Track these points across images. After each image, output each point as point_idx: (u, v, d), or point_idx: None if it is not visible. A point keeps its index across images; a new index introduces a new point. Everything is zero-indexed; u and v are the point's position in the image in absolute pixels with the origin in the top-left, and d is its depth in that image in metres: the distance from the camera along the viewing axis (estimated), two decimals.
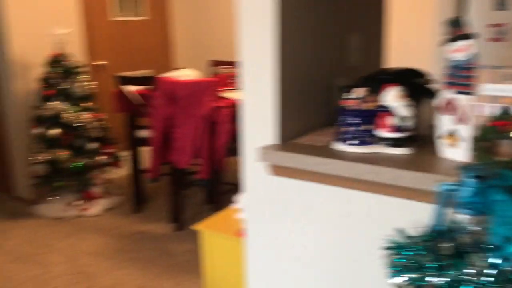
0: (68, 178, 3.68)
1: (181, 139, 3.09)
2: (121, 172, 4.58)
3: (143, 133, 3.63)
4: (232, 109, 3.00)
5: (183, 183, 3.41)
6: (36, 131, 3.64)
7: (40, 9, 3.89)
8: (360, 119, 1.29)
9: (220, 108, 2.94)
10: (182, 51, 5.28)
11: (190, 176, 3.71)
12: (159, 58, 5.02)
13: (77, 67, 3.76)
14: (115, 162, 3.92)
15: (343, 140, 1.30)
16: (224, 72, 3.62)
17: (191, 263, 2.96)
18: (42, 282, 2.79)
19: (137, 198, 3.79)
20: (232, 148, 3.31)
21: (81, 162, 3.65)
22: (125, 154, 4.59)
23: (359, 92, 1.32)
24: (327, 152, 1.30)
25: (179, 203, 3.41)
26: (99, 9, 4.39)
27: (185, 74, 3.61)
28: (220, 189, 3.48)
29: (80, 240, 3.33)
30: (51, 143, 3.63)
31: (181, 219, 3.44)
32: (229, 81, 3.36)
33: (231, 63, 4.31)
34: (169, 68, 5.15)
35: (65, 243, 3.29)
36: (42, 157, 3.60)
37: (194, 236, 3.31)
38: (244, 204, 1.62)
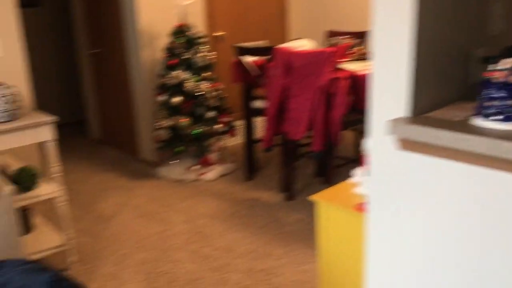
0: (188, 144, 3.89)
1: (296, 110, 3.09)
2: (236, 141, 4.75)
3: (259, 104, 3.70)
4: (350, 81, 2.93)
5: (295, 154, 3.43)
6: (160, 98, 3.88)
7: None
8: (506, 92, 1.17)
9: (337, 80, 2.88)
10: (298, 21, 5.24)
11: (302, 147, 3.72)
12: (275, 28, 5.04)
13: (199, 37, 3.91)
14: (230, 130, 4.05)
15: (486, 115, 1.19)
16: (341, 43, 3.53)
17: (302, 233, 3.00)
18: (164, 238, 3.02)
19: (249, 166, 3.90)
20: (347, 121, 3.25)
21: (199, 129, 3.83)
22: (240, 124, 4.74)
23: (507, 63, 1.19)
24: (465, 128, 1.20)
25: (290, 173, 3.45)
26: None
27: (302, 44, 3.59)
28: (332, 162, 3.45)
29: (198, 202, 3.53)
30: (173, 110, 3.86)
31: (292, 190, 3.48)
32: (347, 52, 3.27)
33: (348, 34, 4.19)
34: (285, 39, 5.15)
35: (184, 204, 3.52)
36: (165, 123, 3.84)
37: (304, 207, 3.34)
38: (367, 179, 1.58)
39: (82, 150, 4.93)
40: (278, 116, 3.25)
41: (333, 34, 4.43)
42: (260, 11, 4.87)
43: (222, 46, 4.63)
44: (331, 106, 2.94)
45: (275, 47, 3.26)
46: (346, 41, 3.54)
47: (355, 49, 3.49)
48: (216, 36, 4.57)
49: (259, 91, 3.79)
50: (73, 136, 5.48)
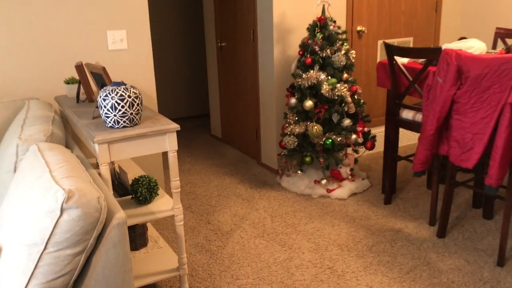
0: (317, 154, 3.39)
1: (466, 130, 2.43)
2: (372, 154, 4.15)
3: (407, 114, 3.07)
4: None
5: (453, 180, 2.76)
6: (291, 100, 3.42)
7: None
8: None
9: None
10: (453, 17, 4.45)
11: (461, 171, 3.03)
12: (424, 24, 4.31)
13: (339, 33, 3.38)
14: (367, 142, 3.47)
15: None
16: None
17: (458, 286, 2.35)
18: (289, 269, 2.57)
19: (389, 187, 3.29)
20: None
21: (331, 138, 3.31)
22: (377, 132, 4.13)
23: None
24: None
25: (446, 205, 2.79)
26: None
27: (471, 45, 2.88)
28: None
29: (326, 225, 3.02)
30: (304, 115, 3.38)
31: (445, 224, 2.82)
32: None
33: None
34: (435, 38, 4.40)
35: (310, 226, 3.03)
36: (294, 128, 3.38)
37: (462, 248, 2.67)
38: None
39: (204, 147, 4.68)
40: (438, 134, 2.60)
41: (506, 33, 3.62)
42: (407, 3, 4.18)
43: (362, 43, 4.04)
44: None
45: (443, 48, 2.61)
46: None
47: None
48: (357, 32, 3.99)
49: (409, 99, 3.16)
50: (197, 130, 5.28)
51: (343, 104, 3.34)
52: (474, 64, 2.34)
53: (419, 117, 3.00)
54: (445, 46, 2.94)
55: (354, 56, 3.42)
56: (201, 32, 5.65)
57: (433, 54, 2.70)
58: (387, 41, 4.14)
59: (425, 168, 2.74)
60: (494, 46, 3.64)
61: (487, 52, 3.08)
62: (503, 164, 2.29)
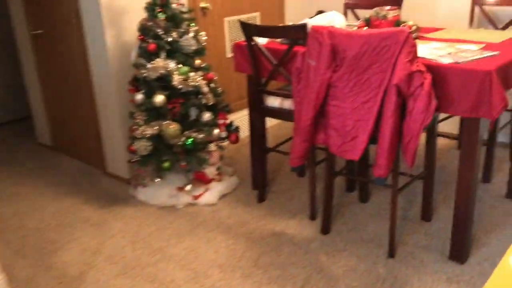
0: (176, 157, 2.87)
1: (348, 117, 2.15)
2: (237, 147, 3.75)
3: (274, 101, 2.73)
4: (432, 74, 2.01)
5: (332, 170, 2.51)
6: (137, 96, 2.82)
7: None
8: None
9: (418, 74, 1.95)
10: None
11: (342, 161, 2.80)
12: None
13: (184, 12, 2.86)
14: (231, 135, 3.06)
15: None
16: (389, 16, 2.58)
17: None
18: None
19: (261, 181, 2.95)
20: (429, 133, 2.36)
21: (192, 136, 2.82)
22: (238, 118, 3.74)
23: None
24: None
25: (326, 198, 2.53)
26: None
27: (334, 20, 2.62)
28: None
29: (200, 242, 2.56)
30: (156, 113, 2.82)
31: (327, 220, 2.57)
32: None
33: (381, 3, 3.25)
34: (282, 11, 4.13)
35: (181, 246, 2.53)
36: (144, 129, 2.79)
37: (350, 244, 2.44)
38: None
39: (30, 160, 3.77)
40: (315, 123, 2.29)
41: (354, 3, 3.48)
42: None
43: (207, 21, 3.58)
44: (407, 113, 2.01)
45: (308, 25, 2.27)
46: (393, 13, 2.60)
47: (408, 24, 2.56)
48: (201, 9, 3.50)
49: (273, 84, 2.82)
50: (17, 139, 4.27)
51: (199, 96, 2.86)
52: (350, 42, 2.04)
53: (287, 104, 2.67)
54: (304, 21, 2.63)
55: (204, 38, 2.94)
56: (7, 18, 4.57)
57: (299, 32, 2.36)
58: (234, 18, 3.74)
59: (304, 161, 2.42)
60: (355, 19, 3.49)
61: (347, 26, 2.86)
62: (391, 152, 2.06)
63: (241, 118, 3.78)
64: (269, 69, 2.64)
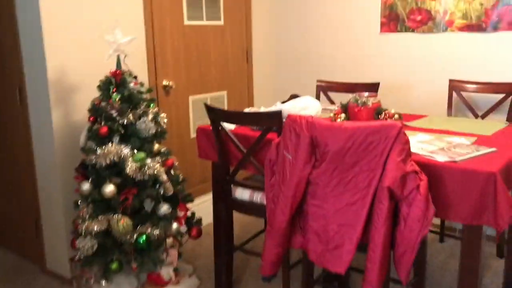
0: (126, 257, 2.45)
1: (330, 220, 1.83)
2: (200, 243, 3.34)
3: (243, 193, 2.40)
4: (426, 175, 1.74)
5: (312, 280, 2.15)
6: (83, 186, 2.43)
7: (87, 5, 2.72)
8: None
9: (413, 175, 1.67)
10: (264, 66, 4.05)
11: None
12: (237, 76, 3.80)
13: (142, 92, 2.56)
14: (193, 229, 2.68)
15: None
16: (368, 103, 2.36)
17: None
18: None
19: (225, 283, 2.54)
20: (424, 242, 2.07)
21: (145, 233, 2.42)
22: (199, 204, 3.36)
23: None
24: None
25: None
26: (167, 11, 3.19)
27: (309, 105, 2.38)
28: None
29: None
30: (105, 205, 2.42)
31: None
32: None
33: (362, 86, 3.07)
34: (248, 89, 3.92)
35: None
36: (90, 225, 2.38)
37: None
38: None
39: None
40: (290, 225, 1.96)
41: (327, 86, 3.29)
42: (216, 52, 3.62)
43: (170, 100, 3.30)
44: (400, 219, 1.72)
45: (283, 112, 2.01)
46: (373, 100, 2.38)
47: (390, 112, 2.34)
48: (163, 87, 3.23)
49: (243, 173, 2.51)
50: None
51: (157, 186, 2.50)
52: (333, 135, 1.77)
53: (258, 196, 2.35)
54: (278, 107, 2.37)
55: (165, 120, 2.63)
56: None
57: (273, 120, 2.08)
58: (200, 96, 3.48)
59: (278, 269, 2.06)
60: (328, 103, 3.29)
61: (323, 110, 2.63)
62: (383, 265, 1.73)
63: (205, 203, 3.41)
64: (238, 157, 2.34)
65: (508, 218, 1.66)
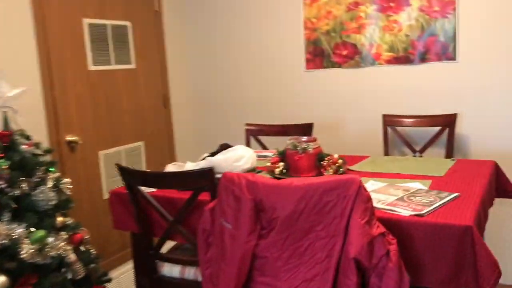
0: None
1: None
2: None
3: (172, 270, 1.99)
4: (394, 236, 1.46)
5: None
6: None
7: None
8: None
9: (381, 239, 1.39)
10: (184, 109, 3.70)
11: None
12: (155, 123, 3.41)
13: (38, 155, 2.09)
14: None
15: None
16: (310, 149, 2.07)
17: None
18: None
19: None
20: None
21: None
22: (117, 275, 2.86)
23: None
24: None
25: None
26: (67, 55, 2.76)
27: (244, 155, 2.06)
28: None
29: None
30: None
31: None
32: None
33: (297, 128, 2.80)
34: (168, 138, 3.54)
35: None
36: None
37: None
38: None
39: None
40: None
41: (258, 129, 3.00)
42: (130, 99, 3.22)
43: (77, 158, 2.82)
44: None
45: (225, 174, 1.66)
46: (313, 145, 2.11)
47: (333, 158, 2.08)
48: (67, 143, 2.76)
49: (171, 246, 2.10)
50: None
51: (63, 269, 2.01)
52: (281, 197, 1.44)
53: (190, 272, 1.95)
54: (208, 161, 2.02)
55: (69, 187, 2.17)
56: None
57: (202, 180, 1.72)
58: (112, 150, 3.04)
59: None
60: (248, 145, 2.98)
61: (258, 158, 2.31)
62: None
63: (128, 273, 2.92)
64: (163, 226, 1.93)
65: (491, 276, 1.42)
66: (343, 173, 2.12)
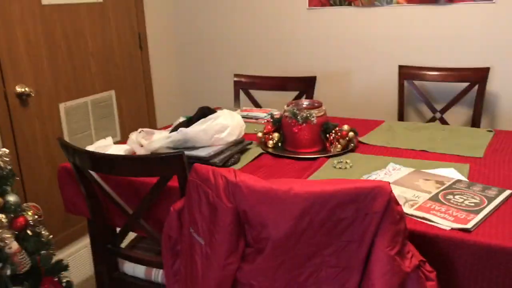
0: None
1: None
2: None
3: (136, 269, 1.59)
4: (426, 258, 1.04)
5: None
6: None
7: None
8: None
9: (414, 276, 0.97)
10: (163, 51, 3.17)
11: None
12: (128, 69, 2.89)
13: None
14: None
15: None
16: (304, 119, 1.61)
17: None
18: None
19: None
20: None
21: None
22: (77, 256, 2.48)
23: None
24: None
25: None
26: None
27: (228, 124, 1.61)
28: None
29: None
30: None
31: None
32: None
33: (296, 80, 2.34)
34: (145, 86, 3.05)
35: None
36: None
37: None
38: None
39: None
40: None
41: (248, 82, 2.52)
42: (96, 42, 2.68)
43: (31, 112, 2.35)
44: None
45: (195, 166, 1.22)
46: (318, 112, 1.64)
47: (343, 130, 1.63)
48: (17, 96, 2.27)
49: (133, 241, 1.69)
50: None
51: (0, 264, 1.61)
52: (274, 208, 1.00)
53: (158, 274, 1.55)
54: (181, 133, 1.55)
55: (8, 157, 1.72)
56: None
57: (168, 167, 1.27)
58: (75, 102, 2.55)
59: None
60: (238, 104, 2.50)
61: (246, 120, 1.84)
62: None
63: (80, 253, 2.54)
64: (122, 216, 1.51)
65: None
66: (354, 148, 1.68)
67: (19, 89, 2.26)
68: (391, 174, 1.44)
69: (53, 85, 2.43)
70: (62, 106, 2.49)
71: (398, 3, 2.48)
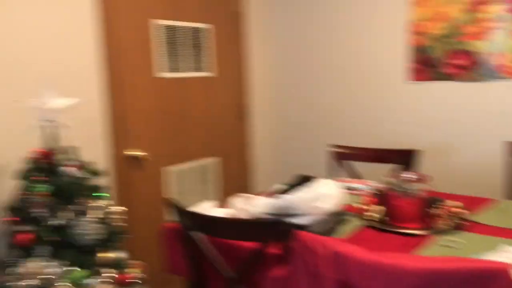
0: None
1: None
2: None
3: None
4: None
5: None
6: None
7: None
8: None
9: None
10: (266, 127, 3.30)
11: None
12: (230, 142, 3.04)
13: (85, 179, 1.79)
14: None
15: None
16: (404, 190, 1.57)
17: None
18: None
19: None
20: None
21: None
22: None
23: None
24: None
25: None
26: (134, 63, 2.47)
27: (332, 193, 1.61)
28: None
29: None
30: None
31: None
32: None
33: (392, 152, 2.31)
34: (245, 155, 3.16)
35: None
36: None
37: None
38: None
39: None
40: None
41: (351, 153, 2.52)
42: (204, 117, 2.87)
43: (143, 176, 2.52)
44: None
45: (301, 234, 1.23)
46: (420, 185, 1.60)
47: (452, 206, 1.56)
48: (130, 158, 2.46)
49: None
50: None
51: None
52: (381, 283, 0.97)
53: None
54: (284, 201, 1.58)
55: (119, 217, 1.84)
56: None
57: (267, 231, 1.30)
58: (178, 167, 2.71)
59: None
60: (333, 174, 2.51)
61: (345, 189, 1.83)
62: None
63: None
64: (222, 279, 1.54)
65: None
66: (462, 226, 1.59)
67: (133, 153, 2.45)
68: (503, 256, 1.34)
69: (163, 150, 2.61)
70: (167, 170, 2.66)
71: (503, 77, 2.41)
